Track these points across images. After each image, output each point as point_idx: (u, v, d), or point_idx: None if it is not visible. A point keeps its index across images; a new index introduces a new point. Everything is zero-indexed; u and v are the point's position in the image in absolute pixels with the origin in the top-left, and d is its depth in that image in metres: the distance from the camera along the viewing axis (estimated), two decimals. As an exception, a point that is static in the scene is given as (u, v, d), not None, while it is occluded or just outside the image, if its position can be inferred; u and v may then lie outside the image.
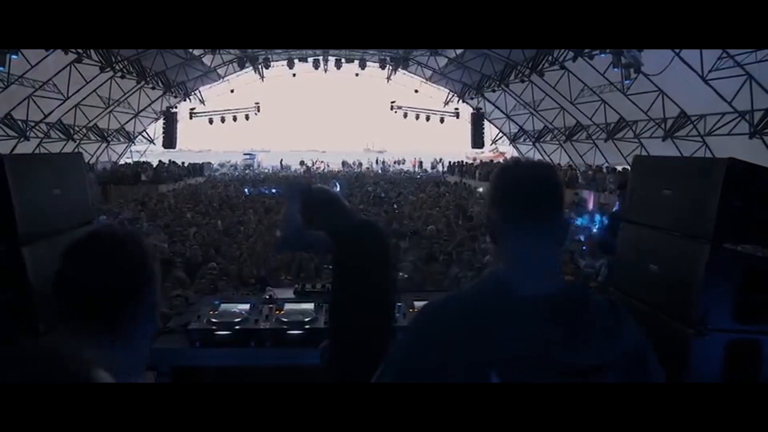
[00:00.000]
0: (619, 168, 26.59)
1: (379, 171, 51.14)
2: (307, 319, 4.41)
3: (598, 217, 14.15)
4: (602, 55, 19.60)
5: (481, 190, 29.78)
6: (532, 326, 1.41)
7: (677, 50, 17.18)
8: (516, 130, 38.40)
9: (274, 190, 27.23)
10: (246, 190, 27.83)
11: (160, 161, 36.97)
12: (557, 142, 33.86)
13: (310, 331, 4.28)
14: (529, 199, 1.54)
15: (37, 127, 25.95)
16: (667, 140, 22.54)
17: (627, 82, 19.98)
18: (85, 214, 3.09)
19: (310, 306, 4.66)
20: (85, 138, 31.58)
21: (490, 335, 1.41)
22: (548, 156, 35.88)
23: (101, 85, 27.33)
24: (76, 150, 30.58)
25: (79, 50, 21.50)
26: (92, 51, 22.51)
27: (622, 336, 1.49)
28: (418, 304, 4.50)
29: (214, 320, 4.39)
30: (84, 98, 27.53)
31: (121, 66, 25.90)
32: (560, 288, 1.50)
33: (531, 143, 37.40)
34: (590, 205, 20.10)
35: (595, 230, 13.23)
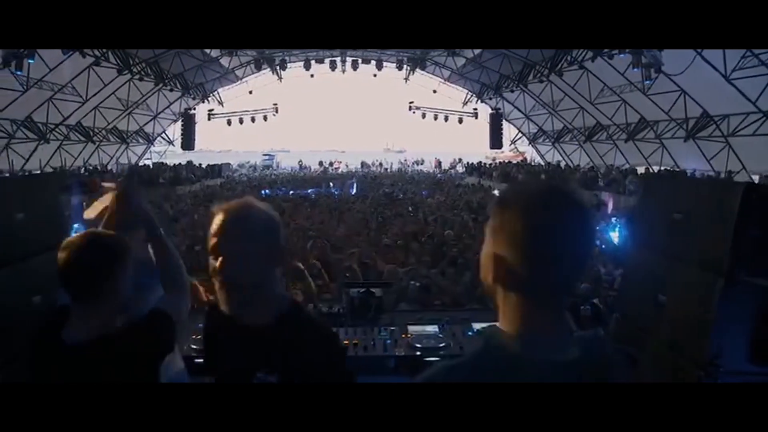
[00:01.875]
0: (640, 169, 26.24)
1: (398, 171, 50.92)
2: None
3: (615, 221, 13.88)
4: (621, 56, 19.29)
5: (496, 192, 29.47)
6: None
7: (699, 49, 16.86)
8: (535, 131, 38.11)
9: (291, 192, 27.15)
10: (264, 192, 27.75)
11: (178, 163, 37.17)
12: (577, 143, 33.51)
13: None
14: (569, 242, 1.23)
15: (56, 130, 26.17)
16: (689, 141, 22.15)
17: (647, 82, 19.64)
18: (54, 236, 2.93)
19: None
20: (104, 140, 31.85)
21: None
22: (568, 156, 35.57)
23: (120, 87, 27.54)
24: (96, 152, 30.93)
25: (97, 53, 21.62)
26: (110, 53, 22.66)
27: None
28: (413, 329, 4.27)
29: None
30: (103, 100, 27.74)
31: (139, 68, 26.04)
32: (577, 349, 1.25)
33: (550, 143, 37.08)
34: (609, 208, 19.73)
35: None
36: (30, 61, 17.21)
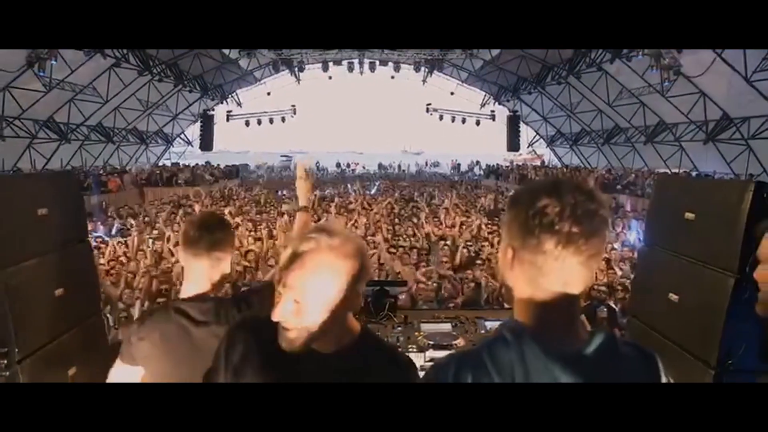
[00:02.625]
0: (659, 171, 26.04)
1: (414, 173, 50.80)
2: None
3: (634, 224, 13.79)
4: (640, 57, 19.15)
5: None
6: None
7: (719, 50, 16.71)
8: (553, 133, 37.93)
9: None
10: (281, 192, 27.75)
11: (196, 163, 37.43)
12: (595, 145, 33.28)
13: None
14: (584, 227, 1.26)
15: (77, 130, 26.51)
16: (708, 143, 21.95)
17: (666, 84, 19.47)
18: (77, 233, 3.00)
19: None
20: (124, 140, 32.23)
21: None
22: (586, 159, 35.36)
23: (140, 88, 27.86)
24: (117, 152, 31.30)
25: (118, 54, 21.89)
26: (130, 55, 22.92)
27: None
28: (426, 327, 4.30)
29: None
30: (123, 101, 28.07)
31: (159, 70, 26.29)
32: (589, 343, 1.29)
33: (568, 146, 36.89)
34: (628, 210, 19.60)
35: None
36: (53, 62, 17.41)
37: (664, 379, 1.35)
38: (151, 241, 11.24)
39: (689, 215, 2.65)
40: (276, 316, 1.65)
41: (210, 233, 2.36)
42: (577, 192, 1.29)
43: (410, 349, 3.95)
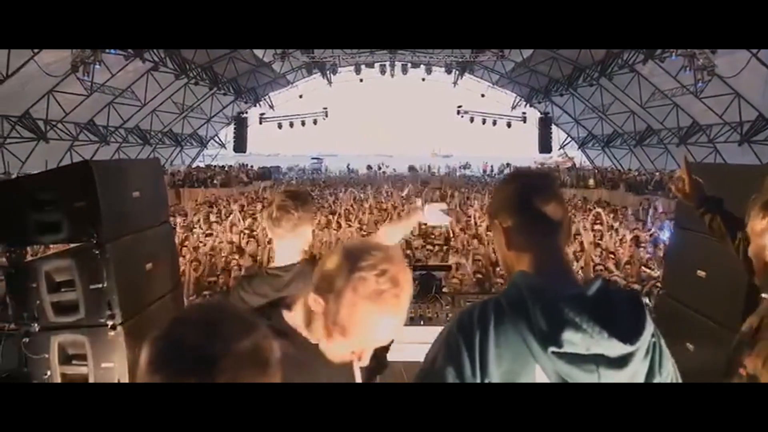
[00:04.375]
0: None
1: (445, 175, 50.62)
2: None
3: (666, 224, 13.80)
4: (673, 58, 19.06)
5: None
6: (570, 323, 1.46)
7: (754, 50, 16.62)
8: (585, 135, 37.74)
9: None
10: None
11: (230, 165, 37.96)
12: (627, 147, 33.08)
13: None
14: (547, 204, 1.63)
15: (116, 132, 27.24)
16: (743, 145, 21.74)
17: (700, 85, 19.33)
18: (161, 215, 3.36)
19: None
20: (160, 142, 32.95)
21: (532, 330, 1.47)
22: (618, 161, 35.11)
23: (176, 91, 28.56)
24: (152, 155, 31.97)
25: (156, 58, 22.45)
26: (167, 59, 23.47)
27: (645, 324, 1.52)
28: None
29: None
30: (160, 104, 28.81)
31: (195, 73, 26.88)
32: (590, 287, 1.55)
33: (600, 148, 36.65)
34: (660, 211, 19.48)
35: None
36: (96, 66, 17.98)
37: (649, 318, 1.55)
38: (198, 235, 11.74)
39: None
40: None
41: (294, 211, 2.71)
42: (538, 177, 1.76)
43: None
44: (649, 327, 1.52)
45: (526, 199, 1.64)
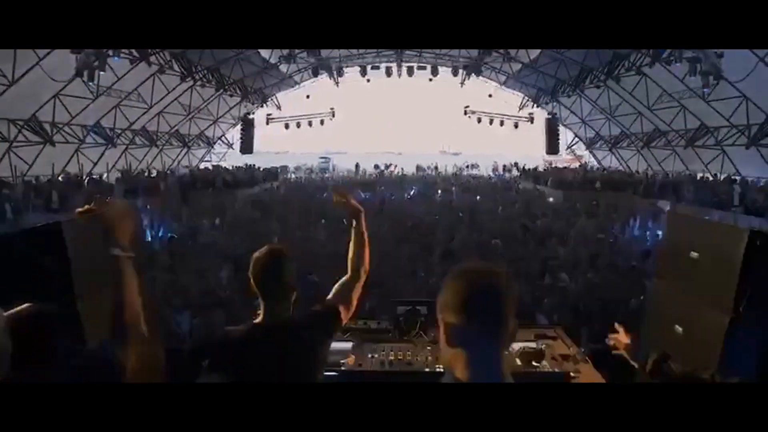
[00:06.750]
0: (699, 175, 25.65)
1: (453, 176, 50.43)
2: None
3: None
4: (677, 64, 18.90)
5: (551, 200, 29.23)
6: None
7: (763, 54, 16.47)
8: (592, 136, 37.55)
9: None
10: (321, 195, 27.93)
11: (237, 166, 38.02)
12: (634, 148, 32.91)
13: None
14: (495, 305, 1.59)
15: (123, 135, 27.31)
16: (751, 147, 21.52)
17: (706, 90, 19.14)
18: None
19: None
20: (167, 144, 33.03)
21: None
22: (625, 162, 34.93)
23: (182, 93, 28.56)
24: (159, 156, 32.06)
25: (161, 61, 22.44)
26: (173, 61, 23.47)
27: None
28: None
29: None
30: (166, 106, 28.84)
31: (201, 75, 26.89)
32: None
33: (607, 149, 36.48)
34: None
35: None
36: (101, 72, 17.97)
37: None
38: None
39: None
40: None
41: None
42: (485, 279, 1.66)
43: (437, 369, 4.07)
44: None
45: (468, 300, 1.60)
